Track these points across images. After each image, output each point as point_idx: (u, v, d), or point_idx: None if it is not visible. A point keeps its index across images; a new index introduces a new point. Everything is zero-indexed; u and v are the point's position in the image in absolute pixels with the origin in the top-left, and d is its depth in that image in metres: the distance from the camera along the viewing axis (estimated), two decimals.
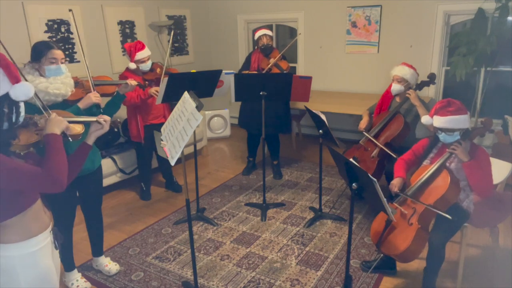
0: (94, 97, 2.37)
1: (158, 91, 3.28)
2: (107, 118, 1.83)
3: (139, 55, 3.46)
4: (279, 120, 4.14)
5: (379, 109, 3.46)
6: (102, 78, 2.71)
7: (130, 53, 3.49)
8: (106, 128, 1.83)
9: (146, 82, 3.01)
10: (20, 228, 1.49)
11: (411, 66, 3.20)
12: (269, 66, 3.94)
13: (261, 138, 3.62)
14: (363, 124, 3.41)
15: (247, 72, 4.01)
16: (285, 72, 3.87)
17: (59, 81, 2.20)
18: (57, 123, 1.57)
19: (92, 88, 2.40)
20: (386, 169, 3.26)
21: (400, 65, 3.24)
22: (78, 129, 1.78)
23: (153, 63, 3.64)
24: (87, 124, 1.82)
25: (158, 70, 3.66)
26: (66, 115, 1.83)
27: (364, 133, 3.30)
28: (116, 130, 2.19)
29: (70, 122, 1.77)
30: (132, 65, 3.48)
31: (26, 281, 1.52)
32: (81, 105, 2.32)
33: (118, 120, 2.00)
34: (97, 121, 1.80)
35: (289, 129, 4.37)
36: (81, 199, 2.64)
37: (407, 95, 3.15)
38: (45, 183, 1.45)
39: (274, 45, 4.17)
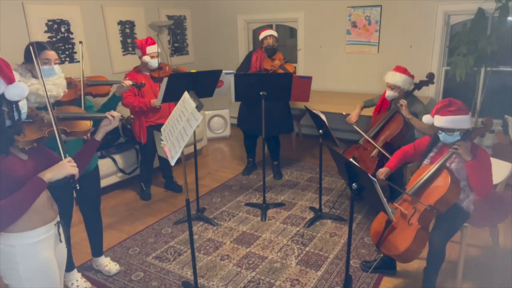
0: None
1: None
2: (116, 113, 1.87)
3: (149, 49, 3.54)
4: (281, 120, 4.14)
5: (378, 109, 3.46)
6: (96, 78, 2.71)
7: (141, 47, 3.56)
8: (115, 123, 1.87)
9: (143, 82, 3.05)
10: (20, 220, 1.52)
11: (404, 71, 3.15)
12: (274, 67, 3.94)
13: (262, 138, 3.62)
14: (353, 117, 3.48)
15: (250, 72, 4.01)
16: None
17: (50, 82, 2.16)
18: (58, 170, 1.55)
19: (83, 91, 2.39)
20: None
21: (392, 70, 3.19)
22: (85, 126, 1.83)
23: (160, 62, 3.70)
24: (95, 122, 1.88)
25: (167, 68, 3.74)
26: (76, 110, 1.89)
27: (363, 134, 3.29)
28: (129, 127, 2.18)
29: (79, 118, 1.83)
30: (146, 58, 3.54)
31: (25, 270, 1.58)
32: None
33: (132, 116, 2.04)
34: (106, 117, 1.85)
35: (291, 128, 4.36)
36: (78, 200, 2.63)
37: (398, 105, 3.12)
38: None
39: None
